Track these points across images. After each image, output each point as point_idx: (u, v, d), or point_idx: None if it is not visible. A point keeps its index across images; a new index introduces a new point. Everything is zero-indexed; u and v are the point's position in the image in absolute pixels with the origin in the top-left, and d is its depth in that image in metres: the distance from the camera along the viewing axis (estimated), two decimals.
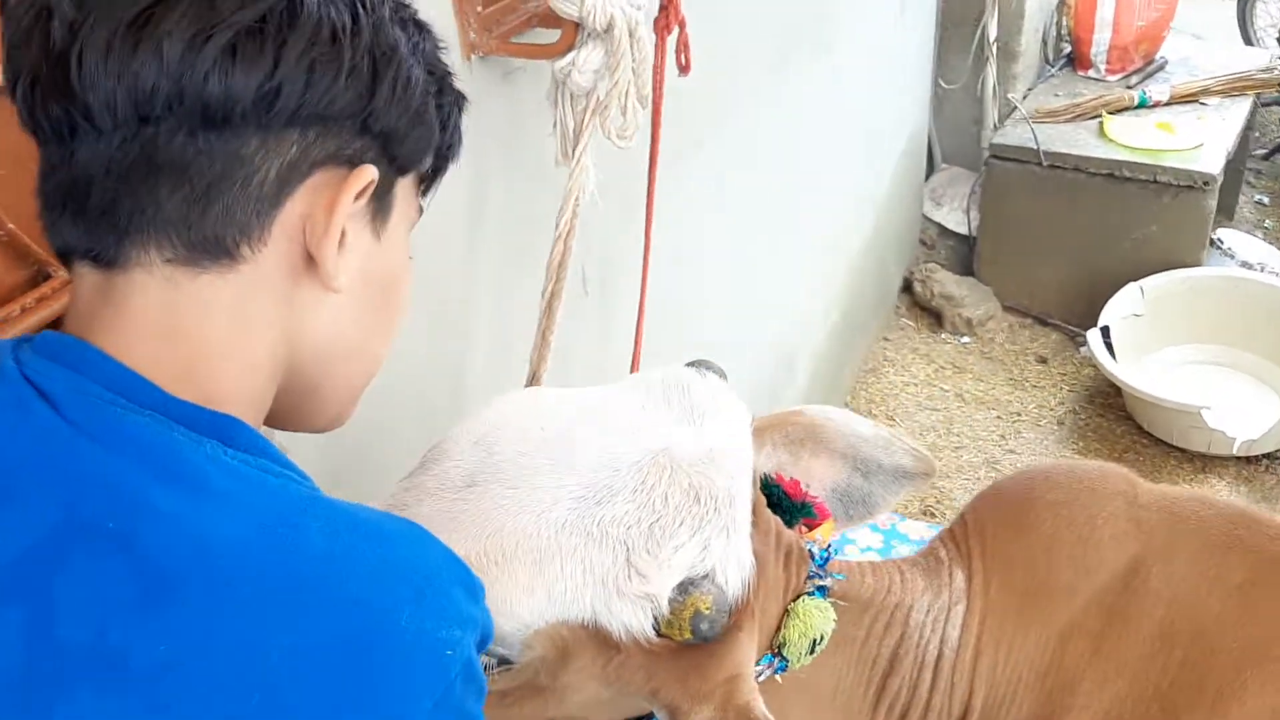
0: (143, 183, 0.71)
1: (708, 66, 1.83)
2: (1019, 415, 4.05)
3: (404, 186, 0.85)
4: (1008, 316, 4.49)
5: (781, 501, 1.20)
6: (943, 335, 4.44)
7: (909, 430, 3.97)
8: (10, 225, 1.04)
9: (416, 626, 0.70)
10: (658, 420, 1.04)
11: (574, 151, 1.63)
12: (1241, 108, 4.45)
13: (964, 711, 1.25)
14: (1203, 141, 4.14)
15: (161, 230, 0.72)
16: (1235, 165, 4.84)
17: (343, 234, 0.77)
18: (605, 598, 0.95)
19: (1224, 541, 1.25)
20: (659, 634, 0.97)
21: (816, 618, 1.12)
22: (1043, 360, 4.32)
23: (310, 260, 0.77)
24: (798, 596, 1.14)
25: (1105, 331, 3.93)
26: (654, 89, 1.70)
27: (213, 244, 0.73)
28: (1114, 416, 4.01)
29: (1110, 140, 4.19)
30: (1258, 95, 4.59)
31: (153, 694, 0.63)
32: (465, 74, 1.60)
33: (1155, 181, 4.06)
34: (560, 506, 0.96)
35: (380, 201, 0.82)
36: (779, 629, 1.14)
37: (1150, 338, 4.09)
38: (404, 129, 0.80)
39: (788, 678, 1.19)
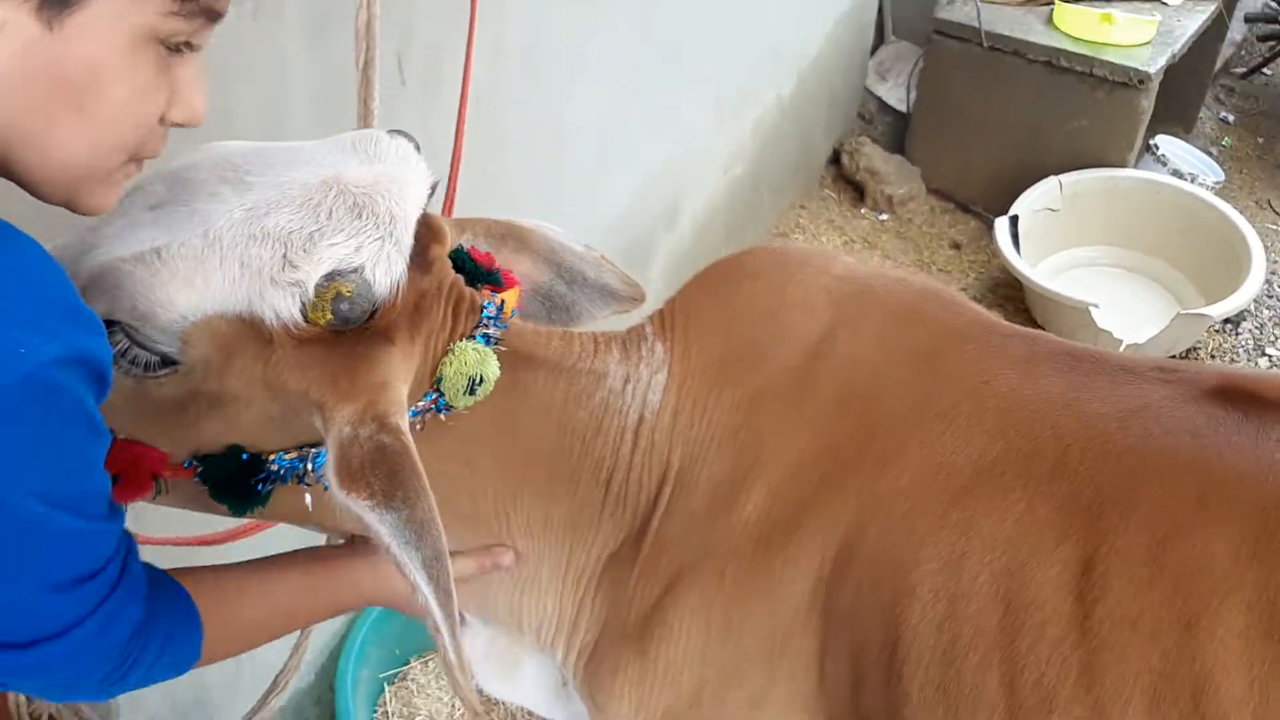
0: None
1: None
2: None
3: None
4: (930, 199, 4.44)
5: (466, 265, 1.26)
6: (862, 210, 4.40)
7: None
8: None
9: None
10: (339, 160, 1.10)
11: None
12: (1203, 12, 4.32)
13: (664, 470, 1.30)
14: (1148, 39, 4.03)
15: None
16: (1198, 77, 4.71)
17: None
18: (259, 287, 1.02)
19: (909, 314, 1.31)
20: (306, 320, 1.03)
21: (472, 357, 1.18)
22: (956, 246, 4.29)
23: None
24: (461, 340, 1.20)
25: (1014, 221, 3.89)
26: None
27: None
28: (1013, 309, 3.99)
29: (1056, 28, 4.08)
30: (1223, 4, 4.44)
31: None
32: None
33: (1091, 75, 3.97)
34: (228, 218, 1.03)
35: None
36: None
37: (1063, 234, 4.05)
38: None
39: (485, 448, 1.26)
